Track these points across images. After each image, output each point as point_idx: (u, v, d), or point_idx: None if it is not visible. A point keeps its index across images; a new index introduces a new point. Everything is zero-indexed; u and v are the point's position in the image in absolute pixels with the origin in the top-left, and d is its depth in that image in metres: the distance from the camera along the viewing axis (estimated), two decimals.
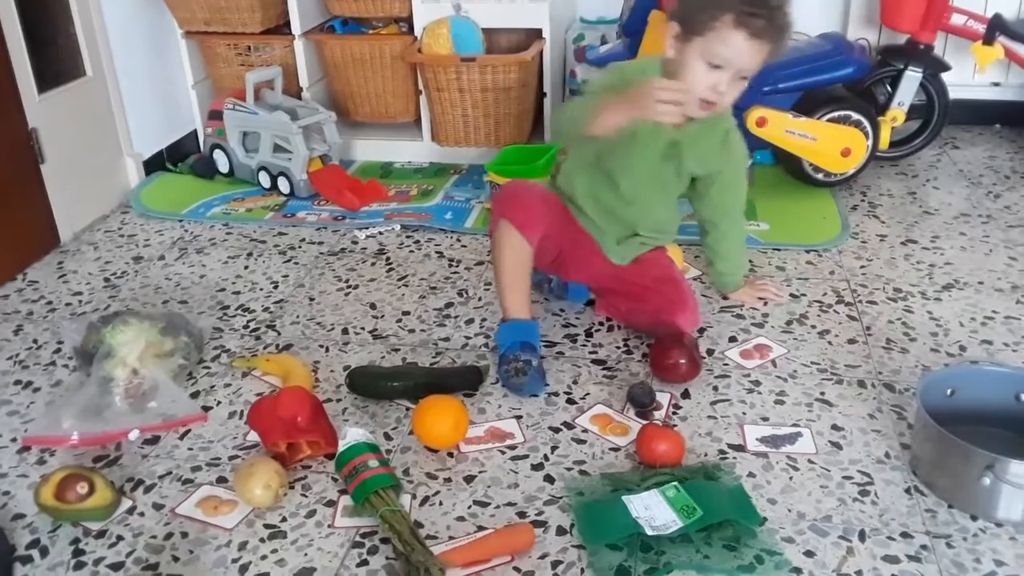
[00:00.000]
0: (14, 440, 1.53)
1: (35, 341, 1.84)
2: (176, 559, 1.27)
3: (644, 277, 1.77)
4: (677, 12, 1.57)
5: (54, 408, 1.58)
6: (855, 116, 2.40)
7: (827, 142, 2.35)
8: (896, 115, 2.52)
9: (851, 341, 1.76)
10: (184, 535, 1.31)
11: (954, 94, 2.63)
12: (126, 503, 1.37)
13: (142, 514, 1.36)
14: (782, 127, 2.33)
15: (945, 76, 2.58)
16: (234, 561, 1.26)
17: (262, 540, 1.30)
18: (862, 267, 2.07)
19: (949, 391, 1.45)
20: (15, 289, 2.06)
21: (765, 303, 1.88)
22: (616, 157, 1.70)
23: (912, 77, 2.51)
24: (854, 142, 2.37)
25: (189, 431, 1.54)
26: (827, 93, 2.42)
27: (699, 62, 1.53)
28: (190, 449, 1.50)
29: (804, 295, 1.94)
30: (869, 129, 2.41)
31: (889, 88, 2.56)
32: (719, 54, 1.51)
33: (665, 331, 1.68)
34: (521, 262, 1.67)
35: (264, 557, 1.27)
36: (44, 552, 1.29)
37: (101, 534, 1.32)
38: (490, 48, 2.61)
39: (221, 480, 1.42)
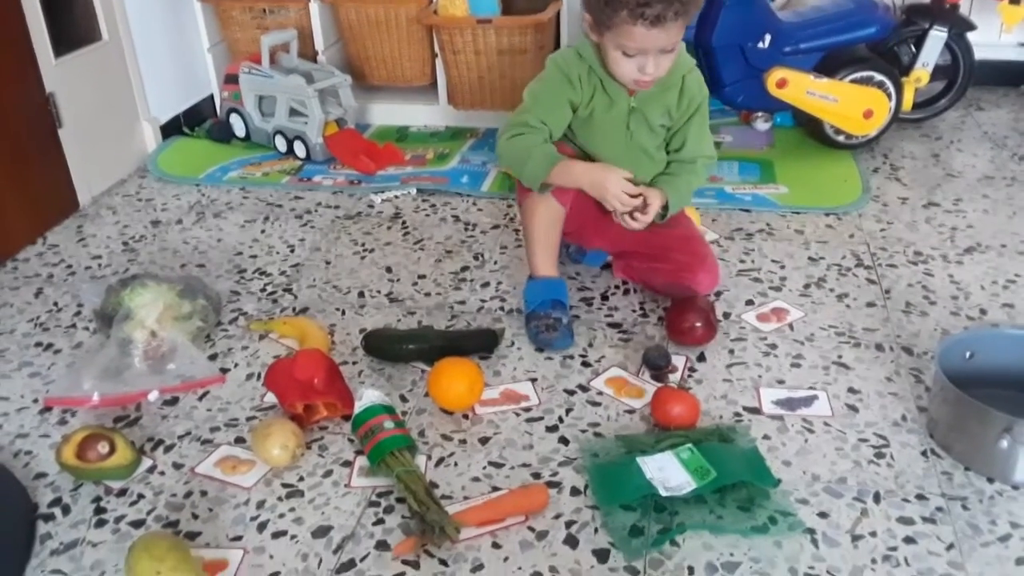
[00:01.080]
0: (36, 401, 1.55)
1: (55, 304, 1.86)
2: (196, 517, 1.29)
3: (664, 237, 1.75)
4: (585, 4, 1.55)
5: (75, 369, 1.60)
6: (878, 77, 2.36)
7: (849, 104, 2.32)
8: (920, 76, 2.48)
9: (870, 304, 1.75)
10: (203, 494, 1.33)
11: (979, 54, 2.57)
12: (146, 462, 1.39)
13: (162, 473, 1.38)
14: (803, 88, 2.30)
15: (970, 36, 2.53)
16: (252, 519, 1.28)
17: (280, 499, 1.31)
18: (882, 230, 2.04)
19: (968, 354, 1.43)
20: (35, 253, 2.08)
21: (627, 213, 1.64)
22: (583, 137, 1.70)
23: (937, 37, 2.45)
24: (876, 103, 2.34)
25: (207, 392, 1.56)
26: (850, 53, 2.38)
27: (616, 52, 1.53)
28: (208, 410, 1.52)
29: (823, 258, 1.92)
30: (892, 90, 2.37)
31: (913, 48, 2.51)
32: (629, 46, 1.51)
33: (681, 292, 1.67)
34: (554, 222, 1.67)
35: (282, 516, 1.28)
36: (66, 510, 1.31)
37: (122, 492, 1.34)
38: (506, 9, 2.58)
39: (239, 440, 1.44)
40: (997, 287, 1.80)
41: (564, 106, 1.64)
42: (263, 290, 1.88)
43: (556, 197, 1.65)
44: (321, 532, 1.25)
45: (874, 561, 1.18)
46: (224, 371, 1.61)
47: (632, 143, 1.68)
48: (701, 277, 1.70)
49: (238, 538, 1.25)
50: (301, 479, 1.35)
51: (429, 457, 1.39)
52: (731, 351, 1.62)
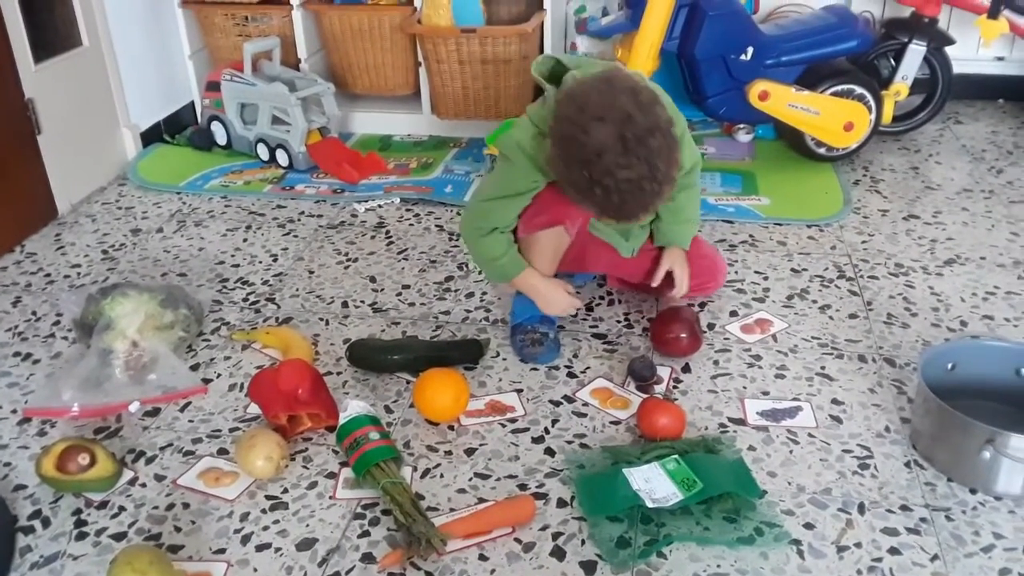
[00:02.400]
0: (14, 411, 1.53)
1: (34, 313, 1.83)
2: (178, 529, 1.27)
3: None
4: (554, 152, 1.35)
5: (54, 380, 1.58)
6: (858, 90, 2.38)
7: (830, 116, 2.34)
8: (900, 89, 2.51)
9: (852, 316, 1.76)
10: (186, 506, 1.31)
11: (958, 68, 2.61)
12: (127, 474, 1.38)
13: (144, 485, 1.36)
14: (784, 101, 2.32)
15: (949, 50, 2.56)
16: (236, 532, 1.26)
17: (264, 511, 1.30)
18: (863, 242, 2.06)
19: (950, 365, 1.45)
20: (13, 261, 2.05)
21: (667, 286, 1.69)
22: None
23: (916, 51, 2.48)
24: (857, 116, 2.36)
25: (189, 403, 1.54)
26: (830, 66, 2.40)
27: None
28: (191, 421, 1.50)
29: (805, 270, 1.94)
30: (872, 103, 2.40)
31: (893, 62, 2.53)
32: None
33: (668, 303, 1.68)
34: (557, 250, 1.65)
35: (266, 528, 1.27)
36: (46, 523, 1.29)
37: (103, 505, 1.32)
38: (490, 19, 2.58)
39: (222, 452, 1.42)
40: (977, 299, 1.82)
41: (537, 181, 1.52)
42: (246, 300, 1.87)
43: (567, 228, 1.60)
44: (306, 545, 1.24)
45: (859, 572, 1.18)
46: (206, 381, 1.60)
47: None
48: (713, 287, 1.77)
49: (221, 551, 1.23)
50: (285, 491, 1.34)
51: (415, 468, 1.38)
52: (716, 362, 1.62)
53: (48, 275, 1.99)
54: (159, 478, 1.37)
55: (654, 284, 1.68)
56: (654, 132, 1.29)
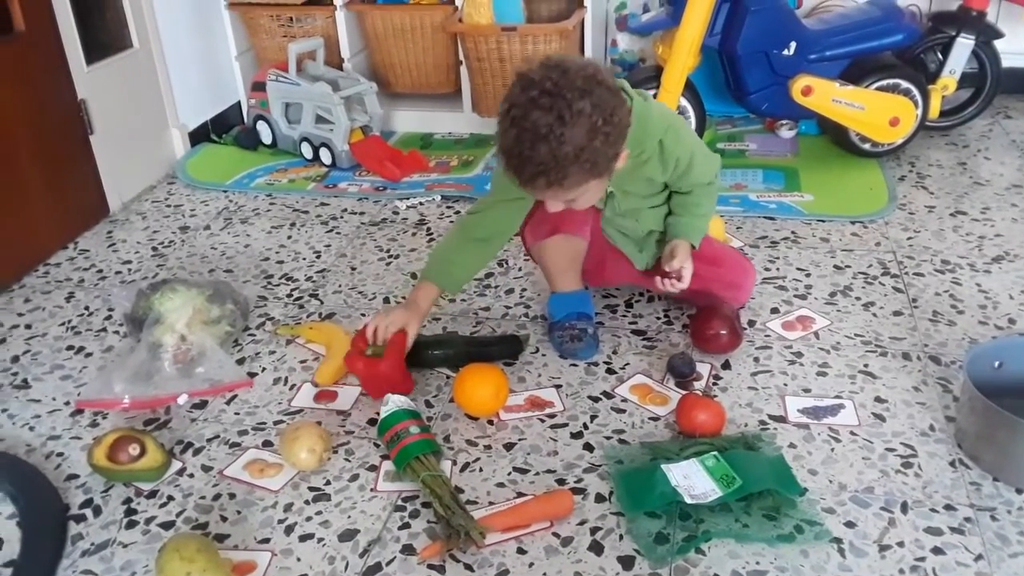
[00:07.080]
0: (67, 403, 1.57)
1: (87, 308, 1.89)
2: (224, 519, 1.30)
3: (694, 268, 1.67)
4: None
5: (106, 372, 1.62)
6: (904, 84, 2.35)
7: (875, 111, 2.31)
8: (947, 83, 2.46)
9: (896, 313, 1.74)
10: (232, 496, 1.34)
11: (1007, 62, 2.56)
12: (176, 465, 1.41)
13: (191, 475, 1.39)
14: (828, 96, 2.29)
15: (998, 43, 2.51)
16: (280, 522, 1.29)
17: (307, 502, 1.32)
18: (909, 239, 2.03)
19: (997, 364, 1.42)
20: (67, 257, 2.11)
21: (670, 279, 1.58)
22: None
23: (964, 44, 2.44)
24: (903, 111, 2.32)
25: (236, 396, 1.58)
26: (876, 61, 2.37)
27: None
28: (237, 414, 1.53)
29: (849, 267, 1.91)
30: (919, 98, 2.36)
31: (940, 56, 2.49)
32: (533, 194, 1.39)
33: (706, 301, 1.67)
34: (574, 257, 1.65)
35: (309, 519, 1.29)
36: (97, 511, 1.33)
37: (152, 494, 1.35)
38: (531, 17, 2.59)
39: (267, 444, 1.45)
40: None
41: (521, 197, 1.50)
42: (290, 295, 1.90)
43: (578, 233, 1.61)
44: (348, 535, 1.26)
45: (901, 572, 1.17)
46: (252, 375, 1.63)
47: (617, 213, 1.60)
48: (745, 296, 1.74)
49: (266, 540, 1.26)
50: (328, 483, 1.36)
51: (454, 462, 1.39)
52: (756, 359, 1.61)
53: (100, 271, 2.05)
54: (206, 469, 1.40)
55: (657, 276, 1.59)
56: (572, 94, 1.23)
